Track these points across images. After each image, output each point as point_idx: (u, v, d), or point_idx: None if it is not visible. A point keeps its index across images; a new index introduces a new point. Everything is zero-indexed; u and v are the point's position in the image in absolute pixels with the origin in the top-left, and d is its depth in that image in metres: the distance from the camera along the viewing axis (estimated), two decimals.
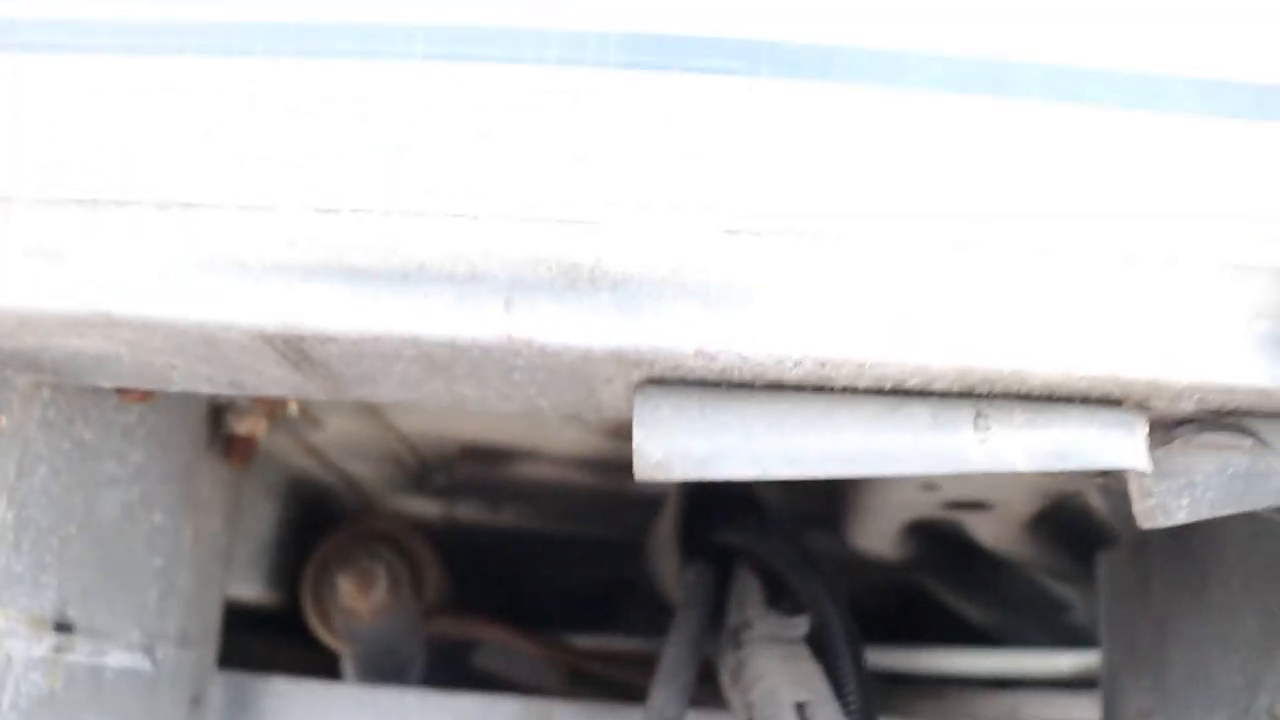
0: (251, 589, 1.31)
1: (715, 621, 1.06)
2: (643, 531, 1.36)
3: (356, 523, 1.32)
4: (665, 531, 1.19)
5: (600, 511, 1.44)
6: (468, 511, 1.47)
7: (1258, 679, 0.83)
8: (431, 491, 1.39)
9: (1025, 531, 1.15)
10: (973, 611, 1.46)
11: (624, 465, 0.71)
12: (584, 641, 1.51)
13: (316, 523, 1.39)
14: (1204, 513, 0.60)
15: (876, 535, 1.26)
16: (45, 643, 0.81)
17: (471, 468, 1.29)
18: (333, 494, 1.41)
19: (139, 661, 0.95)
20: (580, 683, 1.40)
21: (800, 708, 0.90)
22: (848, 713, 0.94)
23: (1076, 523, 0.70)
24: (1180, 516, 0.60)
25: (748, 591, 1.05)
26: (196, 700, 1.08)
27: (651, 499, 1.29)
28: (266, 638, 1.31)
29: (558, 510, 1.48)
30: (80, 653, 0.85)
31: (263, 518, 1.30)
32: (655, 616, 1.48)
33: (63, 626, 0.83)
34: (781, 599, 1.03)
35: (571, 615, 1.55)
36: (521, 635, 1.39)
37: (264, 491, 1.28)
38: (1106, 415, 0.58)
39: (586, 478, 1.30)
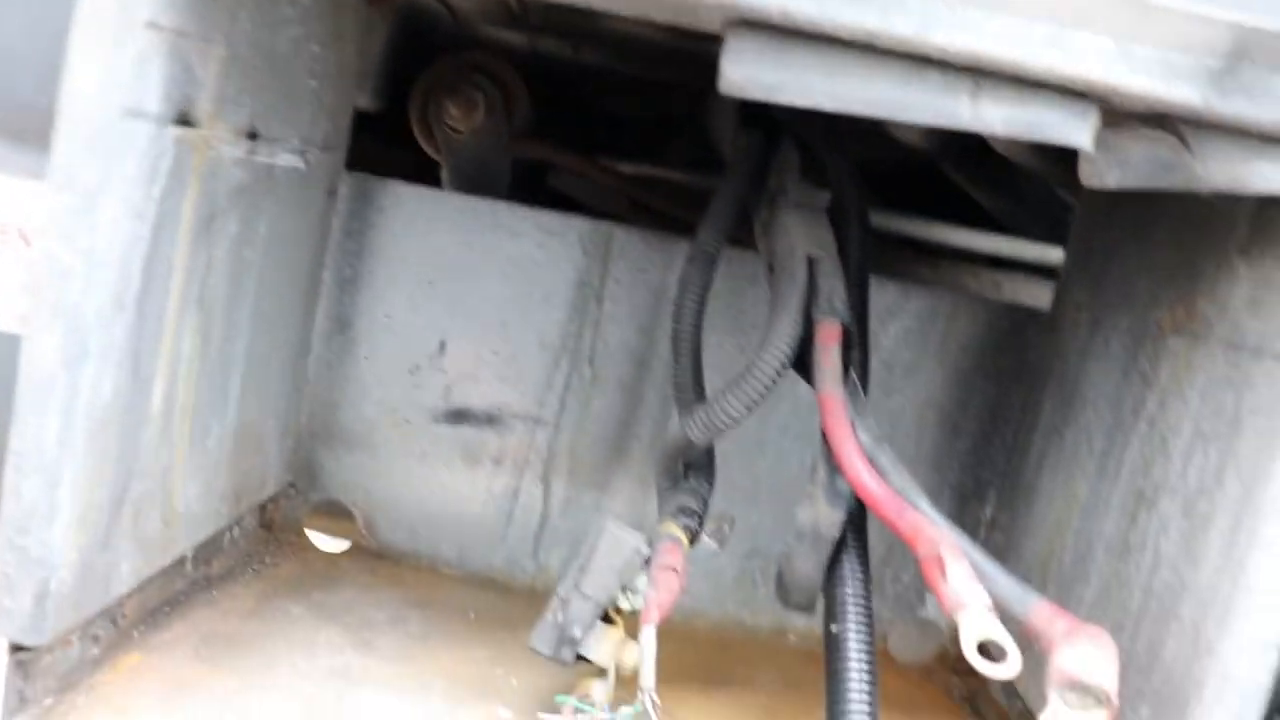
0: (367, 100, 1.53)
1: (757, 183, 1.28)
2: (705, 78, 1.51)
3: (460, 52, 1.51)
4: (728, 99, 1.38)
5: (670, 60, 1.56)
6: (550, 46, 1.62)
7: (1157, 299, 1.09)
8: (522, 27, 1.54)
9: (1031, 146, 1.35)
10: (986, 200, 1.68)
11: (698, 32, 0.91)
12: (642, 169, 1.74)
13: (419, 45, 1.57)
14: (1128, 183, 0.82)
15: (907, 125, 1.46)
16: (242, 147, 1.05)
17: (562, 13, 1.43)
18: (435, 20, 1.56)
19: (297, 161, 1.20)
20: (636, 210, 1.66)
21: (810, 260, 1.15)
22: (848, 270, 1.20)
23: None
24: (1110, 183, 0.82)
25: (787, 163, 1.26)
26: (331, 192, 1.34)
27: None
28: (379, 144, 1.54)
29: (632, 55, 1.62)
30: (262, 155, 1.10)
31: (379, 41, 1.48)
32: (702, 157, 1.70)
33: (253, 135, 1.07)
34: (813, 173, 1.25)
35: (632, 146, 1.77)
36: (592, 163, 1.64)
37: (382, 18, 1.46)
38: (1072, 104, 0.78)
39: (661, 34, 1.42)
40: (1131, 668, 1.04)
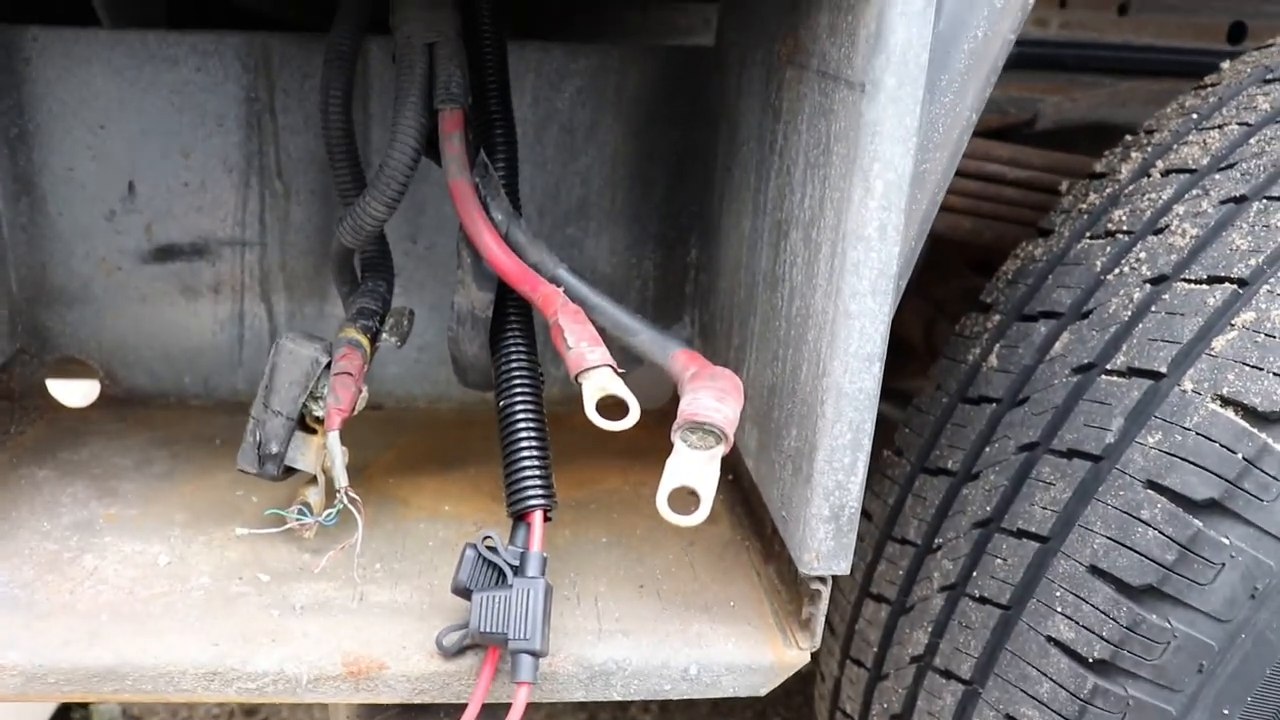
0: None
1: None
2: None
3: None
4: None
5: None
6: None
7: (777, 31, 1.10)
8: None
9: None
10: None
11: None
12: None
13: None
14: None
15: None
16: None
17: None
18: None
19: None
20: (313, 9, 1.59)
21: (429, 47, 1.14)
22: (482, 46, 1.19)
23: None
24: None
25: None
26: None
27: None
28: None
29: None
30: None
31: None
32: None
33: None
34: None
35: None
36: None
37: None
38: None
39: None
40: (784, 392, 1.11)
